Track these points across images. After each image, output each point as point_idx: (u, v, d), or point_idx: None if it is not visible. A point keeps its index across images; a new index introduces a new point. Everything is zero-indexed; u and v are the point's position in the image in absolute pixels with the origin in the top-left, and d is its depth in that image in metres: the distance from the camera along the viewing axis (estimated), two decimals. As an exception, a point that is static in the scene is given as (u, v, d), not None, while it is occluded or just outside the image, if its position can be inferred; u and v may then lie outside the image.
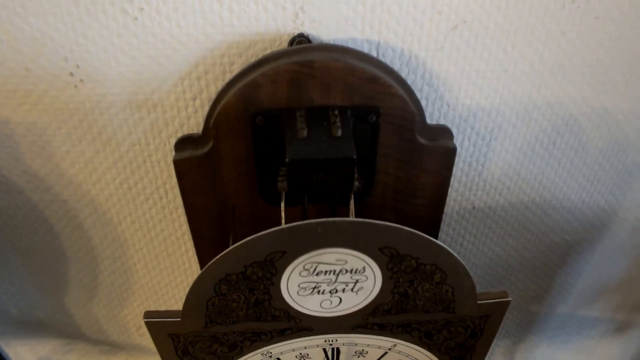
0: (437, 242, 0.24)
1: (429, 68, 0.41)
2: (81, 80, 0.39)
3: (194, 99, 0.41)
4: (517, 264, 0.56)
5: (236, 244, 0.23)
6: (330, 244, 0.24)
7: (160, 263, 0.52)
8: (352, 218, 0.23)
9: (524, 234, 0.53)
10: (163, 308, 0.57)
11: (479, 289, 0.57)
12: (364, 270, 0.25)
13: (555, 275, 0.58)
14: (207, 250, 0.43)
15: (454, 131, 0.44)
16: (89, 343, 0.60)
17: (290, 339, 0.29)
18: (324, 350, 0.31)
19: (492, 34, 0.39)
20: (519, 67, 0.41)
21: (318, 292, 0.26)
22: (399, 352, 0.32)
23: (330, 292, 0.27)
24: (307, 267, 0.25)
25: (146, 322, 0.28)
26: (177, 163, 0.38)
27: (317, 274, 0.25)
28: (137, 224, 0.49)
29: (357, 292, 0.27)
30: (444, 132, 0.40)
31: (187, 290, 0.55)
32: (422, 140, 0.39)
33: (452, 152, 0.40)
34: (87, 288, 0.54)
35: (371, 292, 0.27)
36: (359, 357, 0.32)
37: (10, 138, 0.42)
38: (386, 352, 0.32)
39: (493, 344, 0.64)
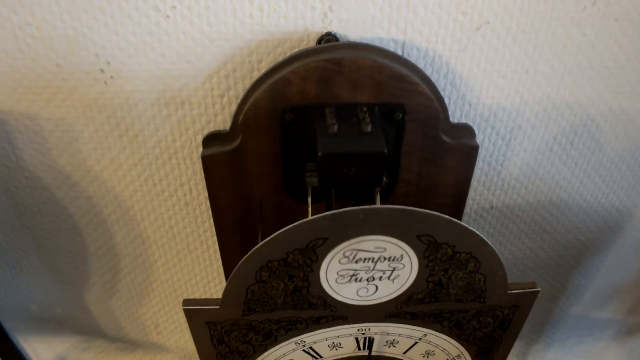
0: (474, 230, 0.25)
1: (452, 68, 0.41)
2: (111, 77, 0.40)
3: (222, 97, 0.42)
4: (532, 264, 0.56)
5: (279, 231, 0.24)
6: (370, 231, 0.24)
7: (181, 260, 0.53)
8: (392, 205, 0.23)
9: (540, 233, 0.53)
10: (180, 307, 0.58)
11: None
12: (402, 258, 0.26)
13: (569, 276, 0.58)
14: (230, 245, 0.44)
15: (475, 130, 0.45)
16: (107, 340, 0.60)
17: (325, 327, 0.30)
18: (356, 339, 0.31)
19: (514, 35, 0.40)
20: (540, 68, 0.42)
21: (356, 279, 0.27)
22: (429, 342, 0.32)
23: (367, 280, 0.27)
24: (347, 254, 0.25)
25: (185, 310, 0.28)
26: (204, 159, 0.39)
27: (356, 262, 0.26)
28: (160, 220, 0.49)
29: (393, 280, 0.27)
30: (466, 131, 0.41)
31: (206, 287, 0.55)
32: (445, 138, 0.40)
33: (474, 150, 0.41)
34: (107, 285, 0.54)
35: (407, 280, 0.27)
36: (389, 347, 0.32)
37: (38, 134, 0.43)
38: (416, 342, 0.32)
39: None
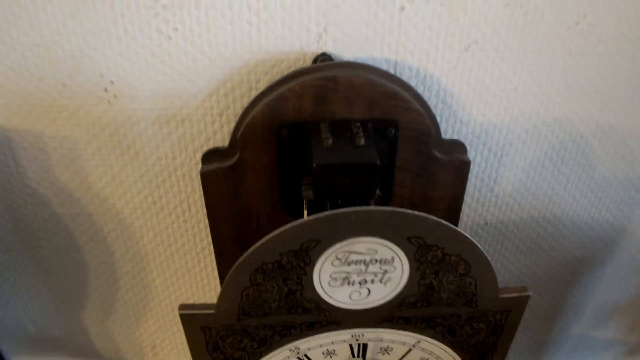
0: (462, 232, 0.26)
1: (443, 86, 0.43)
2: (115, 96, 0.42)
3: (221, 115, 0.43)
4: (530, 281, 0.57)
5: (273, 233, 0.25)
6: (362, 233, 0.25)
7: (179, 279, 0.53)
8: (383, 207, 0.24)
9: (535, 250, 0.54)
10: (179, 326, 0.58)
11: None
12: (393, 261, 0.27)
13: (567, 294, 0.59)
14: (227, 259, 0.44)
15: (467, 146, 0.46)
16: (103, 363, 0.60)
17: (319, 333, 0.30)
18: (350, 345, 0.32)
19: (502, 55, 0.42)
20: (528, 85, 0.44)
21: (348, 282, 0.28)
22: (423, 350, 0.32)
23: (360, 282, 0.28)
24: (340, 256, 0.26)
25: (181, 315, 0.29)
26: (204, 175, 0.40)
27: (348, 264, 0.27)
28: (158, 238, 0.50)
29: (385, 283, 0.28)
30: (458, 146, 0.42)
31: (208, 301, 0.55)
32: (437, 154, 0.41)
33: (466, 165, 0.42)
34: (105, 304, 0.55)
35: (399, 284, 0.28)
36: (383, 354, 0.32)
37: (42, 151, 0.44)
38: (410, 350, 0.32)
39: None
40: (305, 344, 0.31)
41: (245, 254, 0.26)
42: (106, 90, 0.41)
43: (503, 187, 0.49)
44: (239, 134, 0.39)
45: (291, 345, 0.31)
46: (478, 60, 0.42)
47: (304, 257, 0.26)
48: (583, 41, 0.42)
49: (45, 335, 0.57)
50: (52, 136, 0.44)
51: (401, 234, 0.26)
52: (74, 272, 0.52)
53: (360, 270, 0.27)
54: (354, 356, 0.32)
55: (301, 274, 0.27)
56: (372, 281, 0.28)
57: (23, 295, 0.54)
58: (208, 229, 0.47)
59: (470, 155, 0.47)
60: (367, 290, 0.28)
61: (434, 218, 0.25)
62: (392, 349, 0.32)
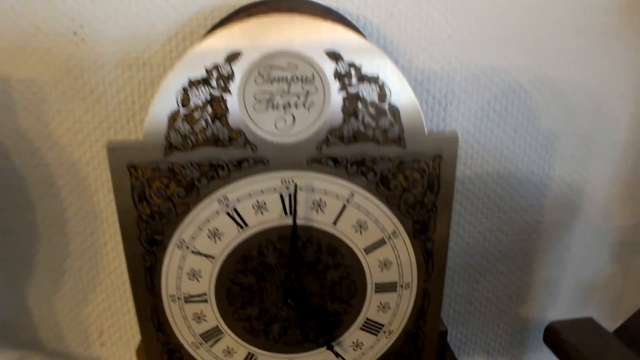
0: (378, 49, 0.29)
1: (383, 34, 0.50)
2: (82, 39, 0.48)
3: (179, 58, 0.48)
4: (496, 251, 0.57)
5: (197, 44, 0.29)
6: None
7: (131, 240, 0.54)
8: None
9: (495, 212, 0.56)
10: (129, 306, 0.56)
11: (460, 281, 0.59)
12: (314, 79, 0.30)
13: (536, 267, 0.59)
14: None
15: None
16: (45, 356, 0.57)
17: (247, 176, 0.32)
18: (281, 197, 0.33)
19: (433, 3, 0.49)
20: (461, 33, 0.50)
21: (272, 105, 0.30)
22: (358, 207, 0.33)
23: (284, 107, 0.31)
24: (262, 72, 0.30)
25: (108, 149, 0.31)
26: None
27: (271, 82, 0.30)
28: (112, 194, 0.52)
29: (309, 108, 0.31)
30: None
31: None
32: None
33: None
34: (53, 276, 0.55)
35: (322, 109, 0.31)
36: (317, 212, 0.33)
37: (7, 95, 0.49)
38: (345, 206, 0.33)
39: (488, 364, 0.61)
40: (233, 192, 0.32)
41: (171, 71, 0.29)
42: (75, 33, 0.47)
43: (452, 138, 0.53)
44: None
45: (220, 195, 0.32)
46: (412, 8, 0.49)
47: (228, 71, 0.29)
48: (505, -9, 0.49)
49: (-14, 317, 0.56)
50: (20, 79, 0.49)
51: (318, 47, 0.29)
52: (23, 234, 0.53)
53: (283, 90, 0.30)
54: (286, 213, 0.33)
55: (226, 93, 0.30)
56: (296, 105, 0.31)
57: (-32, 268, 0.54)
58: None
59: (416, 102, 0.51)
60: (291, 117, 0.31)
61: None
62: (325, 204, 0.33)
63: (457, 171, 0.56)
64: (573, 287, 0.62)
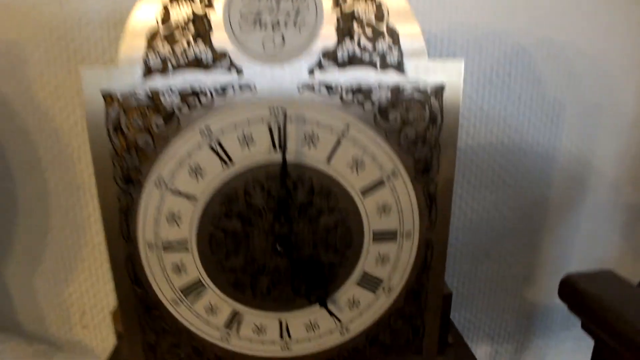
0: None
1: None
2: (66, -3, 0.45)
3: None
4: (501, 228, 0.54)
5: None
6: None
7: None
8: None
9: (500, 185, 0.53)
10: (111, 287, 0.53)
11: (463, 260, 0.55)
12: (305, -6, 0.27)
13: (543, 246, 0.55)
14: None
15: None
16: (24, 340, 0.53)
17: (232, 104, 0.29)
18: (270, 129, 0.30)
19: (430, -38, 0.47)
20: (460, -6, 0.48)
21: (260, 24, 0.28)
22: (354, 142, 0.30)
23: (272, 26, 0.28)
24: (248, -16, 0.27)
25: (81, 74, 0.28)
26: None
27: (258, -1, 0.27)
28: (97, 163, 0.49)
29: (300, 28, 0.28)
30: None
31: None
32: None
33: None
34: (32, 252, 0.51)
35: (314, 29, 0.28)
36: (309, 147, 0.30)
37: (-11, 56, 0.46)
38: (339, 141, 0.30)
39: (495, 352, 0.57)
40: (217, 122, 0.29)
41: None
42: (59, -10, 0.45)
43: (454, 105, 0.50)
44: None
45: (202, 125, 0.29)
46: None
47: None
48: (505, -51, 0.47)
49: (-41, 298, 0.52)
50: (1, 40, 0.46)
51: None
52: (3, 208, 0.49)
53: (272, 6, 0.28)
54: (275, 148, 0.30)
55: (209, 10, 0.28)
56: (286, 24, 0.28)
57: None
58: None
59: (415, 65, 0.49)
60: (281, 37, 0.28)
61: None
62: (318, 137, 0.30)
63: (459, 141, 0.52)
64: (582, 268, 0.58)
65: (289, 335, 0.36)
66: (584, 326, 0.34)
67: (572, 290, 0.33)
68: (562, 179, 0.56)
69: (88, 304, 0.55)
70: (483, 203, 0.55)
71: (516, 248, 0.57)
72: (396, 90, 0.31)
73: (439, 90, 0.31)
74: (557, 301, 0.59)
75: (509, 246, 0.57)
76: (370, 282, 0.35)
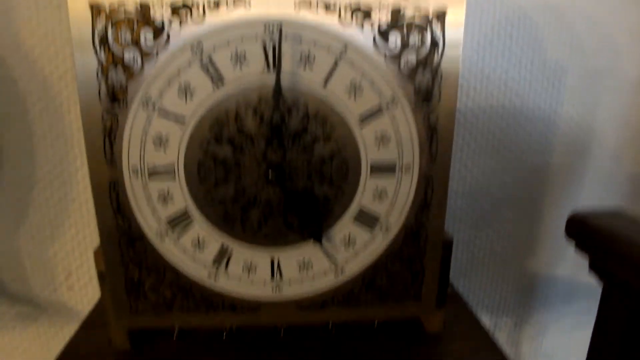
0: None
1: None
2: (60, -60, 0.44)
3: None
4: (501, 194, 0.52)
5: None
6: None
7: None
8: None
9: (500, 150, 0.51)
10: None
11: (462, 228, 0.53)
12: None
13: (545, 215, 0.54)
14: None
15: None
16: (7, 299, 0.50)
17: (225, 19, 0.27)
18: (264, 48, 0.28)
19: None
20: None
21: None
22: (352, 65, 0.29)
23: None
24: None
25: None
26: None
27: None
28: (87, 115, 0.47)
29: None
30: None
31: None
32: None
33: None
34: (17, 207, 0.49)
35: None
36: (304, 66, 0.29)
37: (-23, 0, 0.44)
38: (337, 62, 0.28)
39: (494, 326, 0.55)
40: (209, 38, 0.28)
41: None
42: None
43: (454, 65, 0.49)
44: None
45: (193, 40, 0.28)
46: None
47: None
48: None
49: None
50: (-9, -17, 0.44)
51: None
52: (-13, 159, 0.47)
53: None
54: (268, 68, 0.28)
55: None
56: None
57: None
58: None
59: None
60: (276, -54, 0.27)
61: None
62: (314, 58, 0.28)
63: (459, 103, 0.51)
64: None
65: (281, 275, 0.34)
66: (592, 265, 0.32)
67: (580, 228, 0.31)
68: (564, 144, 0.54)
69: (74, 264, 0.53)
70: (483, 168, 0.53)
71: (516, 217, 0.55)
72: (397, 12, 0.29)
73: (440, 15, 0.30)
74: (559, 272, 0.58)
75: (509, 214, 0.55)
76: (367, 219, 0.33)
